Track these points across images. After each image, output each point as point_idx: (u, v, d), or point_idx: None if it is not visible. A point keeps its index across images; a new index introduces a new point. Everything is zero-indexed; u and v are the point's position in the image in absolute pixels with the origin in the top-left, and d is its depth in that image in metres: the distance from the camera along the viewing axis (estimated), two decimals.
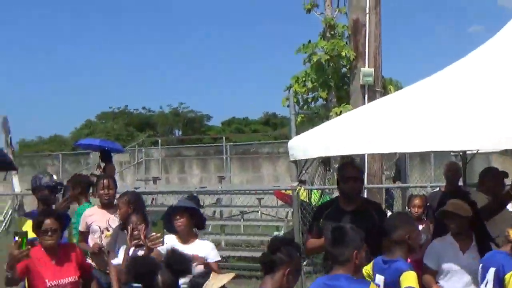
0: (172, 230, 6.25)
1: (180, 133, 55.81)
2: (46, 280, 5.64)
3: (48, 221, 5.66)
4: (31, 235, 5.70)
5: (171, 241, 6.12)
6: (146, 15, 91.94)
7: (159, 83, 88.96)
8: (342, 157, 8.55)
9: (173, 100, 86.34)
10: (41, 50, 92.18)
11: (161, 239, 5.59)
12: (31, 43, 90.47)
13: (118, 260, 6.39)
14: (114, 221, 7.28)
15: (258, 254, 12.02)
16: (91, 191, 8.59)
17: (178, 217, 6.12)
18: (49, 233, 5.65)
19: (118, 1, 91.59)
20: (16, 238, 5.35)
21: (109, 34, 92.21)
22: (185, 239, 6.16)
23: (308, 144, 6.16)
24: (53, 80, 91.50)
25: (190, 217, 6.18)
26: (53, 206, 6.87)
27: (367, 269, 5.14)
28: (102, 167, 15.74)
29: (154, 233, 5.57)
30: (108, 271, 7.18)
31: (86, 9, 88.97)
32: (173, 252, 4.19)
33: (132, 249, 6.09)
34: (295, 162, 6.98)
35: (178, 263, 4.00)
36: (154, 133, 50.72)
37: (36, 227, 5.70)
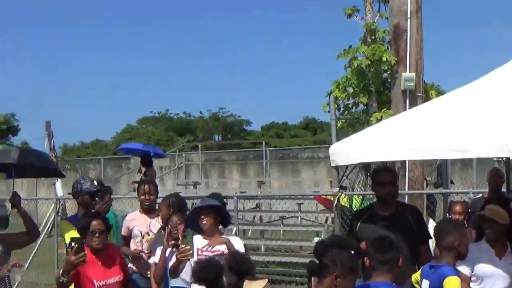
0: (197, 229, 6.28)
1: (220, 138, 56.00)
2: (94, 281, 5.76)
3: (95, 223, 5.81)
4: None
5: (197, 240, 6.19)
6: (187, 22, 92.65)
7: (200, 88, 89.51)
8: (383, 162, 8.49)
9: (213, 105, 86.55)
10: (83, 55, 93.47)
11: (191, 251, 5.61)
12: (73, 48, 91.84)
13: (155, 258, 6.46)
14: (155, 225, 7.35)
15: (297, 260, 12.06)
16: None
17: (203, 216, 6.14)
18: (97, 234, 5.78)
19: (158, 9, 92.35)
20: (73, 244, 5.50)
21: (152, 40, 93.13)
22: (211, 238, 6.15)
23: (349, 150, 6.13)
24: (94, 85, 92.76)
25: (215, 215, 6.20)
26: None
27: (416, 276, 5.15)
28: (143, 172, 15.84)
29: (183, 246, 5.58)
30: (148, 275, 7.26)
31: (128, 15, 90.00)
32: (235, 254, 4.23)
33: (169, 249, 6.17)
34: (336, 168, 6.94)
35: (241, 265, 4.04)
36: (194, 138, 50.96)
37: (83, 229, 5.83)
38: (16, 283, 7.21)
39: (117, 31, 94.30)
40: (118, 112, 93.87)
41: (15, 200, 6.73)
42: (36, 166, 7.21)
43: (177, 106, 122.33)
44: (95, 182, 7.17)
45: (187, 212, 6.89)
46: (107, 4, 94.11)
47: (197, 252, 6.02)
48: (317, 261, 4.12)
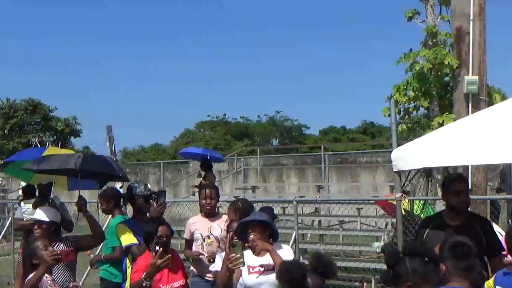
0: (247, 242, 6.11)
1: (277, 142, 56.05)
2: (161, 285, 5.89)
3: (162, 228, 5.96)
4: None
5: (246, 256, 6.07)
6: (246, 28, 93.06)
7: (257, 92, 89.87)
8: (445, 167, 8.37)
9: (270, 109, 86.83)
10: (144, 60, 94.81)
11: (241, 259, 5.54)
12: (132, 54, 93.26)
13: (216, 267, 6.48)
14: (215, 229, 7.43)
15: (357, 265, 11.97)
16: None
17: (250, 230, 5.99)
18: (164, 239, 5.90)
19: (215, 16, 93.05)
20: (157, 247, 5.67)
21: (211, 46, 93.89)
22: (258, 252, 6.01)
23: (412, 155, 6.08)
24: (154, 90, 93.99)
25: (263, 230, 6.01)
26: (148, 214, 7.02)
27: (489, 283, 5.06)
28: (203, 176, 15.96)
29: (234, 254, 5.54)
30: (207, 277, 7.33)
31: (189, 23, 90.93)
32: (319, 256, 4.23)
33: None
34: (399, 172, 6.86)
35: (325, 266, 4.05)
36: (252, 142, 51.14)
37: (150, 234, 5.95)
38: None
39: (176, 38, 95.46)
40: (177, 117, 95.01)
41: (81, 204, 6.88)
42: (102, 171, 7.32)
43: (234, 111, 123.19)
44: (149, 186, 7.28)
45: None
46: (167, 12, 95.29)
47: (248, 269, 5.93)
48: (390, 271, 4.08)
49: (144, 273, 5.69)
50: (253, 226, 5.99)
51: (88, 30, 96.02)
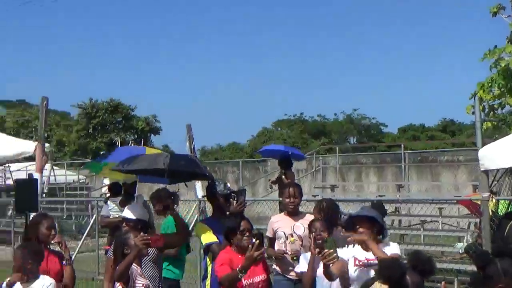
0: None
1: (355, 140, 55.62)
2: (242, 280, 5.92)
3: (244, 223, 6.06)
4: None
5: (353, 248, 6.15)
6: (320, 26, 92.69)
7: (334, 90, 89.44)
8: None
9: (347, 107, 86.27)
10: (221, 60, 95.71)
11: (334, 254, 5.61)
12: (211, 55, 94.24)
13: (300, 268, 6.50)
14: (298, 228, 7.42)
15: (439, 266, 11.74)
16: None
17: (358, 226, 6.05)
18: (247, 234, 6.01)
19: (294, 15, 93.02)
20: (253, 240, 5.76)
21: (287, 44, 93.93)
22: (366, 247, 6.06)
23: (499, 154, 5.96)
24: (231, 89, 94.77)
25: (371, 226, 6.05)
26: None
27: None
28: (283, 173, 15.96)
29: (327, 250, 5.59)
30: (291, 276, 7.35)
31: (265, 22, 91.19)
32: (417, 253, 4.21)
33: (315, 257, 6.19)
34: (486, 172, 6.72)
35: (424, 264, 4.03)
36: (329, 141, 50.92)
37: (232, 229, 6.05)
38: None
39: (253, 37, 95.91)
40: (254, 115, 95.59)
41: (168, 203, 7.00)
42: (188, 170, 7.43)
43: (312, 109, 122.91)
44: (228, 185, 7.32)
45: (340, 216, 6.91)
46: (246, 12, 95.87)
47: (354, 261, 5.98)
48: (480, 273, 4.02)
49: (240, 266, 5.78)
50: (360, 221, 6.05)
51: (169, 31, 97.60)
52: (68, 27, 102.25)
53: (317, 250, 6.01)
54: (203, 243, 6.86)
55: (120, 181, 10.33)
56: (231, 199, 6.96)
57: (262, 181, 25.98)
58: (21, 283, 5.85)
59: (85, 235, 17.14)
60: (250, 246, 5.77)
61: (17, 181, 9.51)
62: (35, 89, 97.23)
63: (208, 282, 6.64)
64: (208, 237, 6.76)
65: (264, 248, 5.82)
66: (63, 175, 28.20)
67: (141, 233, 6.01)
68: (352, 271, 5.98)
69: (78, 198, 25.74)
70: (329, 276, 5.87)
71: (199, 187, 19.13)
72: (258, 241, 5.75)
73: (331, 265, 5.65)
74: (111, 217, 10.90)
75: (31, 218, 7.01)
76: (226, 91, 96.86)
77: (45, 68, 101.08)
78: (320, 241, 6.06)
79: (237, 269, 5.79)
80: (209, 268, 6.66)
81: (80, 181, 29.44)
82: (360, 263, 5.97)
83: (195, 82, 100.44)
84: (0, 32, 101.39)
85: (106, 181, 25.19)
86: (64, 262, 6.59)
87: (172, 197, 8.23)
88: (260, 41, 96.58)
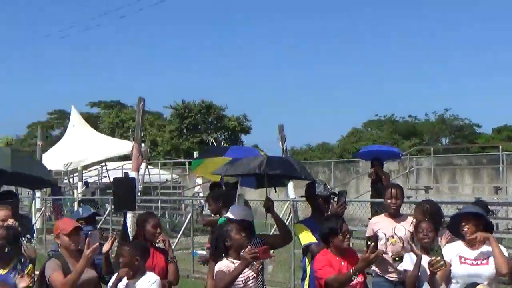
0: (458, 235, 6.23)
1: (447, 141, 54.45)
2: None
3: (345, 225, 6.08)
4: None
5: (457, 247, 6.12)
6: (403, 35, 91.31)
7: (426, 90, 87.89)
8: None
9: (438, 107, 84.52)
10: (307, 64, 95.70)
11: (442, 262, 5.59)
12: (296, 57, 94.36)
13: (404, 266, 6.44)
14: (399, 229, 7.33)
15: None
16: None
17: (463, 223, 6.06)
18: (348, 235, 6.04)
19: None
20: (369, 242, 5.83)
21: (378, 47, 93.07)
22: (472, 244, 6.07)
23: None
24: (320, 89, 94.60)
25: (477, 223, 6.06)
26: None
27: None
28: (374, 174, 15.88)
29: (434, 258, 5.58)
30: (390, 278, 7.28)
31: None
32: None
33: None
34: None
35: None
36: (420, 141, 50.06)
37: (334, 230, 6.04)
38: (267, 274, 7.53)
39: (346, 38, 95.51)
40: (344, 116, 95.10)
41: (269, 205, 7.07)
42: (284, 173, 7.47)
43: (403, 110, 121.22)
44: (328, 186, 7.29)
45: (442, 219, 6.83)
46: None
47: (459, 260, 5.95)
48: None
49: (354, 268, 5.81)
50: (467, 218, 6.06)
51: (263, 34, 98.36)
52: (165, 32, 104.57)
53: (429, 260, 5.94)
54: (302, 244, 6.85)
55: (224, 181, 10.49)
56: (331, 201, 6.95)
57: (354, 182, 25.79)
58: (127, 279, 5.99)
59: (180, 233, 17.50)
60: (365, 248, 5.79)
61: (115, 180, 9.71)
62: (129, 90, 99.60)
63: (306, 282, 6.67)
64: (307, 237, 6.76)
65: (379, 251, 5.79)
66: (157, 174, 28.90)
67: (249, 247, 5.96)
68: (457, 269, 5.95)
69: (172, 197, 26.25)
70: (432, 284, 5.83)
71: (291, 188, 19.23)
72: (373, 243, 5.74)
73: (437, 273, 5.63)
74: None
75: (137, 217, 7.19)
76: (316, 91, 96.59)
77: (139, 70, 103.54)
78: (427, 241, 6.07)
79: (351, 270, 5.80)
80: (308, 269, 6.68)
81: (174, 180, 30.07)
82: (466, 261, 5.93)
83: (283, 81, 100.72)
84: (99, 37, 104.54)
85: (199, 181, 25.67)
86: (168, 259, 6.77)
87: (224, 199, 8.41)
88: (352, 42, 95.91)
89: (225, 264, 5.95)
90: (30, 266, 6.51)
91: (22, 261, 6.47)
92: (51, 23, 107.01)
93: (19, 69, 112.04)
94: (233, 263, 5.94)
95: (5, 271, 6.40)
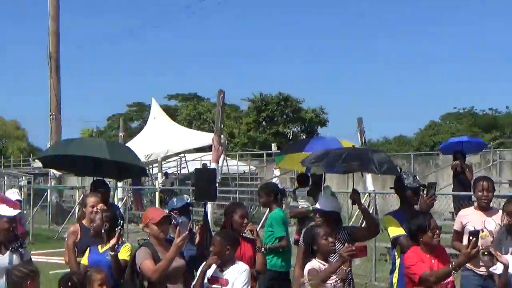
0: None
1: None
2: None
3: (433, 221, 6.01)
4: None
5: None
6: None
7: (506, 84, 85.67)
8: None
9: None
10: (390, 54, 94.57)
11: None
12: (374, 51, 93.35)
13: (498, 270, 6.33)
14: (490, 223, 7.22)
15: None
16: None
17: None
18: (437, 232, 5.98)
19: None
20: (471, 237, 5.72)
21: (457, 40, 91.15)
22: None
23: None
24: (399, 81, 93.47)
25: None
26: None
27: None
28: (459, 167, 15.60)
29: None
30: (480, 272, 7.16)
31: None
32: None
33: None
34: None
35: None
36: (501, 134, 48.84)
37: (423, 228, 5.99)
38: None
39: (421, 29, 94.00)
40: (423, 109, 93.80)
41: (355, 197, 7.04)
42: (361, 163, 7.43)
43: (483, 103, 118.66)
44: (417, 178, 7.17)
45: None
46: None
47: None
48: None
49: (453, 263, 5.76)
50: None
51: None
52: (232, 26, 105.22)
53: None
54: (391, 236, 6.78)
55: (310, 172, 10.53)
56: (420, 192, 6.87)
57: (433, 175, 25.36)
58: (217, 267, 6.08)
59: (260, 225, 17.59)
60: (466, 243, 5.73)
61: (196, 171, 9.83)
62: (206, 83, 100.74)
63: (396, 275, 6.61)
64: (396, 230, 6.68)
65: (478, 247, 5.70)
66: (235, 166, 29.14)
67: (346, 245, 6.04)
68: None
69: (249, 188, 26.43)
70: None
71: (370, 181, 19.09)
72: (475, 239, 5.65)
73: None
74: (299, 207, 11.16)
75: (225, 207, 7.29)
76: (395, 84, 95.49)
77: (217, 63, 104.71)
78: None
79: (450, 265, 5.74)
80: (397, 261, 6.61)
81: (251, 171, 30.26)
82: None
83: (360, 75, 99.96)
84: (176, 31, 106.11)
85: (277, 172, 25.76)
86: (256, 248, 6.84)
87: (280, 193, 8.41)
88: (429, 35, 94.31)
89: (315, 264, 6.04)
90: (128, 245, 6.81)
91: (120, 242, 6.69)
92: (131, 17, 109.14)
93: (101, 63, 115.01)
94: (323, 264, 6.03)
95: (103, 250, 6.72)
